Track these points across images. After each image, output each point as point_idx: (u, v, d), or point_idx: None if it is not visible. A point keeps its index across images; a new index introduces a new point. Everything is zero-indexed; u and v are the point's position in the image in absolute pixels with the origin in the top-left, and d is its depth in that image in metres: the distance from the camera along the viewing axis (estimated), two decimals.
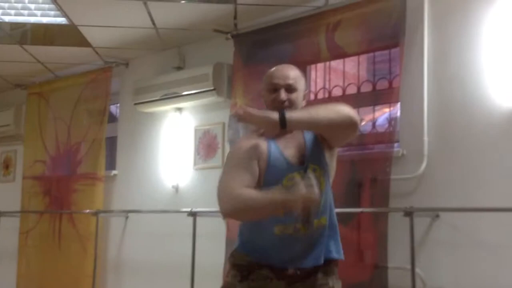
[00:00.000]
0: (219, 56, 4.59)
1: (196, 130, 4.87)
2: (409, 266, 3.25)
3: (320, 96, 4.19)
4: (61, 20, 4.46)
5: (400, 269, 3.36)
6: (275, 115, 2.04)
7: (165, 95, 4.80)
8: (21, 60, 5.52)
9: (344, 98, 4.00)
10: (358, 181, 3.61)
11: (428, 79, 3.46)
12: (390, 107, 3.77)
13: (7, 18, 4.50)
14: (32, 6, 4.26)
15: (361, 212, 3.55)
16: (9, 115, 6.44)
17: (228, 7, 4.17)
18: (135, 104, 5.07)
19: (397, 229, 3.41)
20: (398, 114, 3.64)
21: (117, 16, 4.44)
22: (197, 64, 4.78)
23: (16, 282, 6.08)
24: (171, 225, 4.84)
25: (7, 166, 6.74)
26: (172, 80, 4.80)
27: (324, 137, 2.19)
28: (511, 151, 3.10)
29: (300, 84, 2.23)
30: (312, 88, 4.26)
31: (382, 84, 3.82)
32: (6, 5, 4.24)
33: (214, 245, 4.37)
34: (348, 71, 4.10)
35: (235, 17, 4.35)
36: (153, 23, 4.52)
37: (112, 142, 5.77)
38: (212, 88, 4.47)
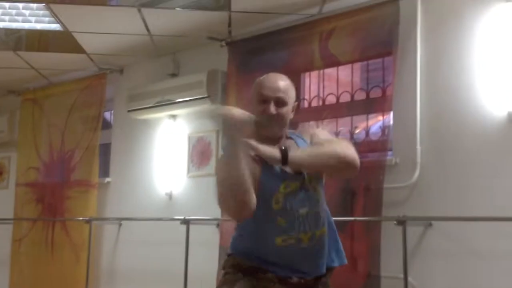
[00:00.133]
0: (213, 63, 4.59)
1: (190, 138, 4.86)
2: (401, 275, 3.24)
3: (314, 104, 4.19)
4: (55, 26, 4.45)
5: (392, 278, 3.35)
6: (277, 154, 2.02)
7: (159, 102, 4.80)
8: (15, 66, 5.51)
9: (337, 106, 4.01)
10: (351, 189, 3.61)
11: (421, 88, 3.46)
12: (383, 115, 3.78)
13: (1, 24, 4.49)
14: (27, 12, 4.25)
15: (354, 221, 3.54)
16: (3, 122, 6.43)
17: (222, 15, 4.18)
18: (129, 111, 5.06)
19: (390, 237, 3.40)
20: (391, 122, 3.64)
21: (112, 23, 4.43)
22: (191, 71, 4.77)
23: None
24: (165, 232, 4.82)
25: (0, 172, 6.70)
26: (166, 87, 4.80)
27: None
28: (504, 159, 3.10)
29: (291, 96, 2.17)
30: (306, 96, 4.27)
31: (376, 93, 3.82)
32: (0, 11, 4.23)
33: (208, 253, 4.36)
34: (342, 79, 4.11)
35: (229, 25, 4.36)
36: (148, 30, 4.52)
37: (106, 149, 5.75)
38: (206, 95, 4.47)
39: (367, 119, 3.93)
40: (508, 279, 3.02)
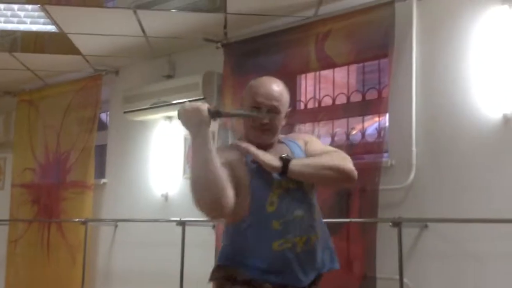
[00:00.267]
0: (209, 65, 4.59)
1: (185, 139, 4.86)
2: (397, 277, 3.25)
3: (310, 105, 4.20)
4: (51, 28, 4.45)
5: (388, 280, 3.36)
6: (277, 163, 1.99)
7: (155, 103, 4.79)
8: (11, 68, 5.50)
9: (333, 108, 4.01)
10: (347, 191, 3.61)
11: (416, 90, 3.47)
12: (379, 117, 3.79)
13: None
14: (22, 13, 4.24)
15: (350, 222, 3.55)
16: None
17: (218, 16, 4.18)
18: (125, 112, 5.06)
19: (385, 239, 3.40)
20: (387, 124, 3.65)
21: (107, 24, 4.43)
22: (187, 73, 4.77)
23: None
24: (160, 234, 4.82)
25: None
26: (162, 88, 4.79)
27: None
28: (499, 161, 3.11)
29: (284, 104, 2.13)
30: (302, 98, 4.27)
31: (372, 94, 3.83)
32: None
33: (204, 254, 4.34)
34: (338, 81, 4.11)
35: (225, 26, 4.36)
36: (143, 32, 4.52)
37: (102, 150, 5.75)
38: (202, 97, 4.46)
39: (363, 121, 3.94)
40: (504, 280, 3.03)
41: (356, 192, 3.54)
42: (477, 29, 3.24)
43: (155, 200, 5.00)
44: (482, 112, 3.17)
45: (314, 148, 2.19)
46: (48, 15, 4.21)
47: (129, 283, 5.07)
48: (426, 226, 3.34)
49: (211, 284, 2.15)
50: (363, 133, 3.89)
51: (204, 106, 1.93)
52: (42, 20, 4.33)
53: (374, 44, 3.65)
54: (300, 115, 4.20)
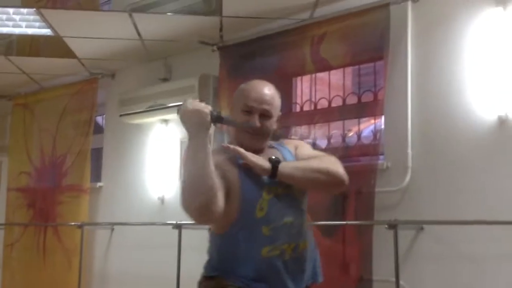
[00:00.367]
0: (205, 68, 4.59)
1: (182, 142, 4.85)
2: (393, 279, 3.25)
3: (306, 108, 4.20)
4: (46, 31, 4.45)
5: (385, 282, 3.36)
6: (267, 165, 1.95)
7: (151, 106, 4.79)
8: (7, 71, 5.49)
9: (329, 110, 4.02)
10: (343, 193, 3.61)
11: (411, 92, 3.48)
12: (375, 119, 3.79)
13: None
14: (17, 17, 4.24)
15: (346, 225, 3.55)
16: None
17: (214, 19, 4.18)
18: (121, 115, 5.05)
19: (381, 241, 3.41)
20: (383, 126, 3.66)
21: (103, 28, 4.43)
22: (183, 75, 4.77)
23: None
24: (157, 237, 4.81)
25: None
26: (158, 91, 4.79)
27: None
28: (494, 163, 3.11)
29: (276, 108, 2.10)
30: (298, 100, 4.28)
31: (367, 97, 3.83)
32: None
33: (200, 258, 4.31)
34: (333, 83, 4.12)
35: (221, 29, 4.36)
36: (139, 35, 4.52)
37: (98, 154, 5.74)
38: (198, 100, 4.45)
39: (359, 123, 3.95)
40: (500, 282, 3.03)
41: (352, 194, 3.54)
42: (472, 31, 3.25)
43: (151, 203, 4.99)
44: (477, 114, 3.18)
45: (304, 152, 2.15)
46: (44, 19, 4.21)
47: (126, 286, 5.06)
48: (422, 228, 3.34)
49: None
50: (359, 135, 3.89)
51: (207, 109, 1.88)
52: (37, 24, 4.33)
53: (369, 46, 3.66)
54: (296, 117, 4.20)
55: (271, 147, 2.16)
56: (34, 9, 4.05)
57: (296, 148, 2.19)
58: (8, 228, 6.11)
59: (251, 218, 1.95)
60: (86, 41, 4.69)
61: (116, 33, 4.54)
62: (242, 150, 1.99)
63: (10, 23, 4.34)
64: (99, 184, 5.54)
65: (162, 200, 4.92)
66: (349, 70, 4.15)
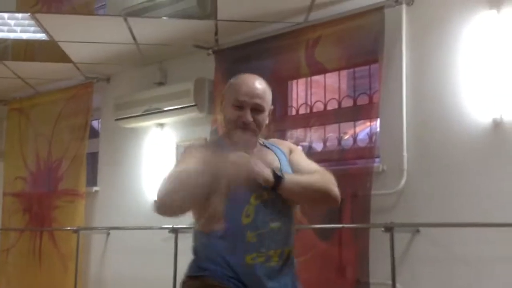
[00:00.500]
0: (200, 72, 4.59)
1: (177, 146, 4.85)
2: (390, 282, 3.25)
3: (301, 111, 4.20)
4: (41, 36, 4.44)
5: (381, 285, 3.36)
6: (271, 178, 1.88)
7: (147, 110, 4.79)
8: (2, 76, 5.48)
9: (325, 113, 4.02)
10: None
11: (406, 95, 3.48)
12: (370, 122, 3.80)
13: None
14: (12, 22, 4.24)
15: (342, 228, 3.55)
16: None
17: (208, 23, 4.18)
18: (117, 119, 5.05)
19: (378, 244, 3.41)
20: (378, 129, 3.66)
21: (98, 32, 4.43)
22: (178, 79, 4.77)
23: None
24: (153, 241, 4.80)
25: None
26: (154, 95, 4.79)
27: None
28: (489, 166, 3.12)
29: (267, 102, 2.05)
30: (294, 104, 4.28)
31: (363, 100, 3.84)
32: None
33: None
34: (329, 86, 4.12)
35: (216, 33, 4.37)
36: (134, 39, 4.51)
37: (93, 158, 5.73)
38: (193, 103, 4.47)
39: (355, 126, 3.95)
40: (495, 284, 3.04)
41: (348, 197, 3.55)
42: (466, 34, 3.26)
43: (147, 207, 4.97)
44: (472, 117, 3.19)
45: (300, 161, 2.11)
46: (39, 23, 4.20)
47: None
48: (418, 231, 3.35)
49: None
50: (354, 138, 3.90)
51: (269, 172, 1.88)
52: (32, 28, 4.33)
53: (364, 49, 3.67)
54: (292, 121, 4.21)
55: (263, 145, 2.12)
56: (29, 14, 4.04)
57: (290, 151, 2.16)
58: (4, 233, 6.10)
59: (236, 225, 1.91)
60: (81, 46, 4.69)
61: (111, 38, 4.54)
62: (251, 158, 1.90)
63: (5, 28, 4.34)
64: (95, 188, 5.52)
65: None
66: (344, 73, 4.16)
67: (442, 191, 3.28)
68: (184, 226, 4.35)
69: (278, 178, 1.90)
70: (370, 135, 3.79)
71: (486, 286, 3.07)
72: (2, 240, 6.10)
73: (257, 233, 1.91)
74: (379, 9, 3.56)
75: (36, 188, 5.91)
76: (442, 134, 3.32)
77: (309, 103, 4.16)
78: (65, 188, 5.58)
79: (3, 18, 4.17)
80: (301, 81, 4.27)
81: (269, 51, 4.18)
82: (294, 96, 4.32)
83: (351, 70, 4.06)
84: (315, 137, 4.11)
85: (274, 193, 1.94)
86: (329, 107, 4.02)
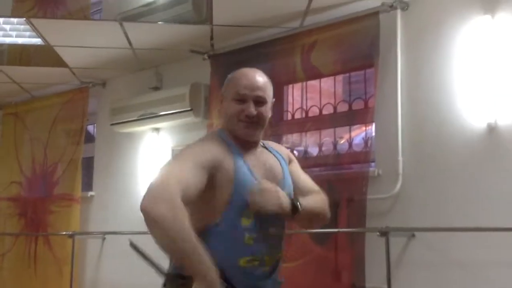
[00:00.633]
0: (196, 77, 4.59)
1: (173, 151, 4.85)
2: (385, 286, 3.26)
3: (297, 115, 4.21)
4: (37, 40, 4.44)
5: None
6: (288, 208, 1.90)
7: (142, 115, 4.79)
8: None
9: (320, 118, 4.03)
10: (335, 201, 3.60)
11: (401, 99, 3.49)
12: (365, 126, 3.81)
13: None
14: (7, 27, 4.24)
15: (338, 232, 3.55)
16: None
17: (204, 28, 4.19)
18: (112, 124, 5.05)
19: (373, 249, 3.41)
20: (374, 134, 3.67)
21: (93, 37, 4.43)
22: (174, 84, 4.78)
23: None
24: (149, 246, 4.78)
25: None
26: (149, 100, 4.79)
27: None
28: (484, 170, 3.13)
29: (269, 94, 1.99)
30: (289, 108, 4.29)
31: (358, 104, 3.85)
32: None
33: None
34: (324, 91, 4.13)
35: (211, 38, 4.37)
36: (130, 44, 4.52)
37: (89, 163, 5.72)
38: (189, 108, 4.47)
39: (350, 131, 3.96)
40: None
41: (344, 202, 3.55)
42: (461, 39, 3.28)
43: None
44: (467, 121, 3.20)
45: (299, 175, 2.12)
46: (34, 28, 4.20)
47: None
48: (413, 235, 3.35)
49: None
50: (350, 142, 3.90)
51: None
52: (28, 33, 4.33)
53: (359, 54, 3.68)
54: (288, 125, 4.21)
55: (263, 147, 2.08)
56: (24, 18, 4.04)
57: (290, 161, 2.14)
58: None
59: (235, 225, 1.86)
60: (76, 50, 4.69)
61: (107, 42, 4.54)
62: (278, 189, 1.90)
63: (1, 32, 4.34)
64: (90, 193, 5.52)
65: None
66: (339, 78, 4.17)
67: (438, 196, 3.29)
68: None
69: (296, 208, 1.92)
70: (366, 140, 3.79)
71: None
72: None
73: (255, 237, 1.88)
74: (374, 14, 3.58)
75: (32, 193, 5.90)
76: (437, 138, 3.33)
77: (304, 107, 4.17)
78: (61, 193, 5.57)
79: None
80: (297, 86, 4.27)
81: (265, 56, 4.19)
82: (290, 100, 4.33)
83: (347, 74, 4.06)
84: (311, 142, 4.12)
85: None
86: (324, 112, 4.03)
